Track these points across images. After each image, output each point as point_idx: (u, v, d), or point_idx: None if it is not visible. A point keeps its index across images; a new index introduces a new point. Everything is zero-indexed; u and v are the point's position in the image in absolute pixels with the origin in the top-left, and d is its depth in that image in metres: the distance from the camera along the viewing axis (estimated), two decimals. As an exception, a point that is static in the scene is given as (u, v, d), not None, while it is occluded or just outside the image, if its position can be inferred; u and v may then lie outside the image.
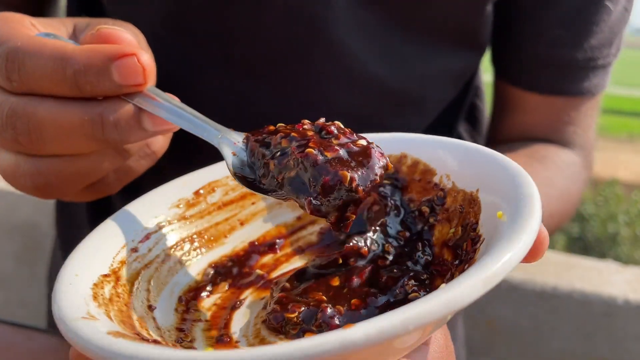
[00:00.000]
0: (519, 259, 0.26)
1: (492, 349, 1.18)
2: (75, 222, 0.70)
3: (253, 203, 0.40)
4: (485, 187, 0.33)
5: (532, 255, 0.30)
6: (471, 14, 0.54)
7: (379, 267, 0.35)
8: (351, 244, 0.36)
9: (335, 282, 0.34)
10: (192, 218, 0.38)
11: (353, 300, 0.32)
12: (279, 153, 0.33)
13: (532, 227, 0.27)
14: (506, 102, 0.61)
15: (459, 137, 0.66)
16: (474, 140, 0.67)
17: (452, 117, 0.62)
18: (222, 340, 0.34)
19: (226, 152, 0.35)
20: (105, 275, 0.32)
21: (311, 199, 0.31)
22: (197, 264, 0.37)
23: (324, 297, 0.32)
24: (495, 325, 1.18)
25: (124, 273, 0.33)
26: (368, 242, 0.36)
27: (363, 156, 0.32)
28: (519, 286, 1.15)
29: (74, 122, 0.34)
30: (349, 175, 0.30)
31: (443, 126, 0.61)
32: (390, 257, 0.36)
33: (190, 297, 0.36)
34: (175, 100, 0.36)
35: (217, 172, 0.40)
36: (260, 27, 0.52)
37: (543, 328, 1.14)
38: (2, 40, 0.34)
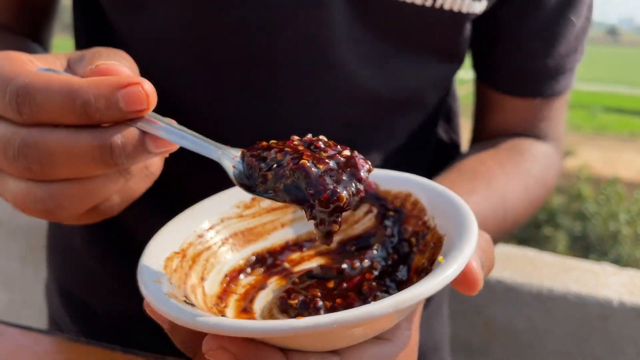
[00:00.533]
0: (424, 296, 0.35)
1: (488, 350, 1.20)
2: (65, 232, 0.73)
3: (294, 211, 0.51)
4: (448, 233, 0.42)
5: (465, 290, 0.39)
6: (452, 32, 0.62)
7: (365, 279, 0.45)
8: (345, 265, 0.46)
9: (331, 284, 0.45)
10: (246, 217, 0.50)
11: (338, 300, 0.42)
12: (275, 165, 0.39)
13: (442, 279, 0.35)
14: (488, 103, 0.71)
15: (438, 136, 0.74)
16: (449, 135, 0.76)
17: (433, 118, 0.71)
18: (245, 310, 0.45)
19: (227, 164, 0.41)
20: (176, 252, 0.44)
21: (310, 209, 0.38)
22: (244, 252, 0.49)
23: (319, 294, 0.43)
24: (492, 326, 1.19)
25: (190, 252, 0.45)
26: (362, 261, 0.46)
27: (349, 165, 0.38)
28: (515, 288, 1.16)
29: (84, 149, 0.37)
30: (345, 198, 0.37)
31: (425, 127, 0.69)
32: (376, 273, 0.46)
33: (233, 275, 0.47)
34: (174, 122, 0.40)
35: None
36: (273, 52, 0.58)
37: (539, 329, 1.16)
38: (10, 78, 0.37)
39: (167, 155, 0.41)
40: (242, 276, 0.48)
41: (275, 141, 0.41)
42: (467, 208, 0.42)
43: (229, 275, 0.47)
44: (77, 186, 0.39)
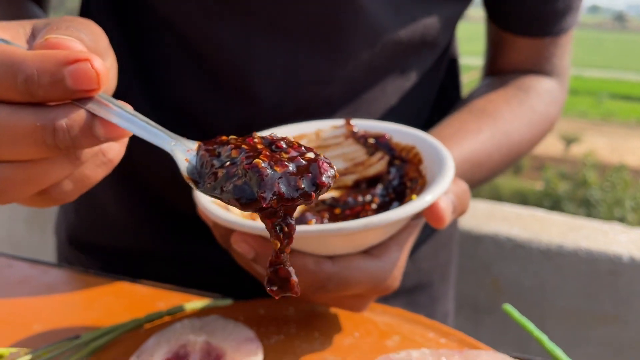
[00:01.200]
0: (389, 221, 0.45)
1: (497, 307, 1.19)
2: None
3: (324, 149, 0.61)
4: (431, 180, 0.52)
5: (433, 223, 0.48)
6: None
7: (364, 209, 0.55)
8: (350, 199, 0.56)
9: (337, 211, 0.55)
10: None
11: (338, 221, 0.51)
12: (228, 162, 0.36)
13: (406, 210, 0.46)
14: (498, 42, 0.76)
15: (442, 75, 0.78)
16: (450, 76, 0.81)
17: (441, 58, 0.74)
18: None
19: (179, 157, 0.38)
20: None
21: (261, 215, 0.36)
22: None
23: (327, 216, 0.54)
24: (500, 283, 1.19)
25: None
26: (365, 196, 0.56)
27: (311, 170, 0.35)
28: (524, 245, 1.16)
29: (25, 129, 0.34)
30: (294, 226, 0.36)
31: (434, 66, 0.73)
32: (375, 206, 0.55)
33: None
34: (128, 107, 0.37)
35: (306, 128, 0.60)
36: (299, 1, 0.60)
37: (548, 286, 1.15)
38: None
39: (123, 141, 0.38)
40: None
41: (234, 137, 0.39)
42: (451, 163, 0.52)
43: None
44: (20, 170, 0.35)
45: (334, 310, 0.57)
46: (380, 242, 0.49)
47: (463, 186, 0.52)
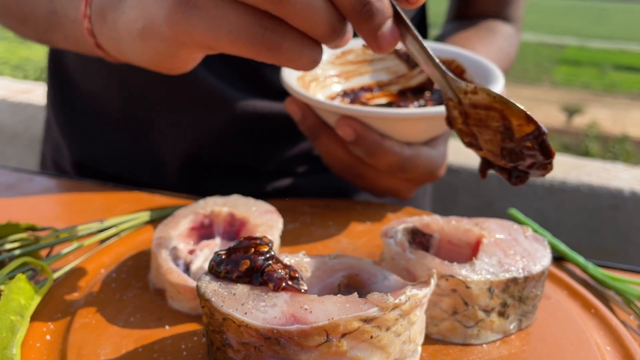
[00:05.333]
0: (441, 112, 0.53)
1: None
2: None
3: (370, 64, 0.70)
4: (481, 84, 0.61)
5: None
6: None
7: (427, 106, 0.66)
8: (402, 103, 0.66)
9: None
10: (337, 65, 0.69)
11: None
12: None
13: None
14: None
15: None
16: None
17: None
18: None
19: None
20: (299, 77, 0.63)
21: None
22: (337, 86, 0.68)
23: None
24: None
25: (306, 78, 0.65)
26: (419, 100, 0.66)
27: None
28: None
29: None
30: None
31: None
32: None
33: (332, 98, 0.67)
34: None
35: (354, 44, 0.69)
36: None
37: (549, 222, 1.18)
38: None
39: None
40: (336, 101, 0.67)
41: None
42: (495, 68, 0.61)
43: (329, 97, 0.67)
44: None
45: (345, 204, 0.59)
46: (438, 135, 0.60)
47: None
